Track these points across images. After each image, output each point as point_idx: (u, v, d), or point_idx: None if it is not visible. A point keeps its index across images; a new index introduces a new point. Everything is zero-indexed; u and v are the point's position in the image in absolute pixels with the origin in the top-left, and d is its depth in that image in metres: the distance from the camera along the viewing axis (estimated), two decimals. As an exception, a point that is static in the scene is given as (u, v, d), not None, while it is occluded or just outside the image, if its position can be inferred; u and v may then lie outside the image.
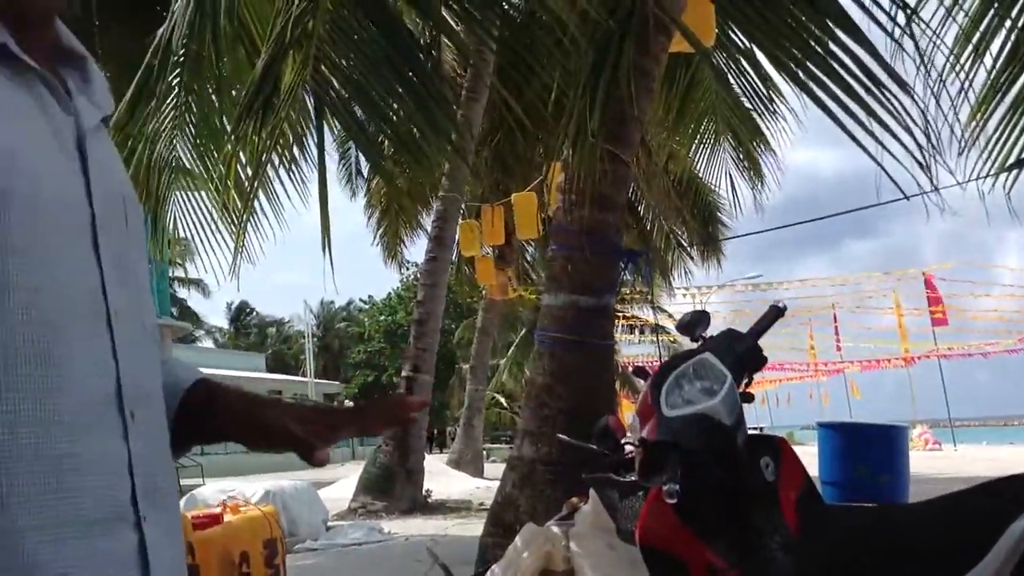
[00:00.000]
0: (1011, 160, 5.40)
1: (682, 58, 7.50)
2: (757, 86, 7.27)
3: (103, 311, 0.94)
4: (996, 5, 5.23)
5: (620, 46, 5.50)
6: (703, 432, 2.39)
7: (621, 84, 5.23)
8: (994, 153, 5.49)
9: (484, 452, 20.73)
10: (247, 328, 61.20)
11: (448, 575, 4.73)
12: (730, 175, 9.67)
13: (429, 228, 15.38)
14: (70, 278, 0.91)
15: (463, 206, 14.62)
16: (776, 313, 2.66)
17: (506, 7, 6.63)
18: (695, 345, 2.69)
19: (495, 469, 15.06)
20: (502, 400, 34.51)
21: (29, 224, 0.88)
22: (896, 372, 36.04)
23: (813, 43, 5.00)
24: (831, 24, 4.96)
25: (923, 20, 4.66)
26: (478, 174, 14.60)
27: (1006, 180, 5.31)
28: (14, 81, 0.93)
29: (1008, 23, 5.24)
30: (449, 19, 5.99)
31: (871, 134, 3.78)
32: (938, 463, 17.91)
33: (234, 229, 7.83)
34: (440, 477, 15.36)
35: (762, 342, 2.52)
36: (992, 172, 5.33)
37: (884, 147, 3.75)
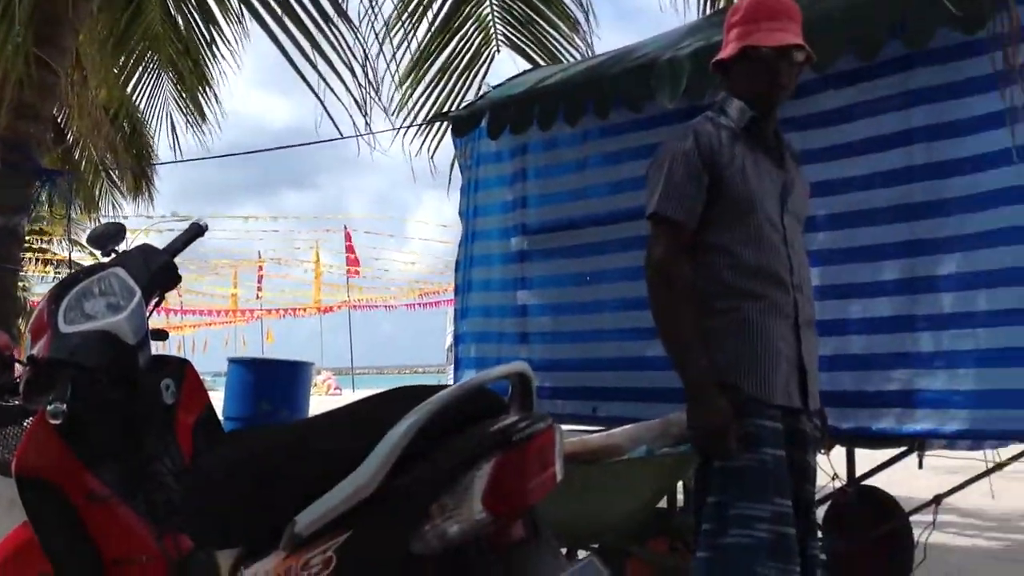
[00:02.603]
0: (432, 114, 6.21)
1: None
2: (199, 23, 7.07)
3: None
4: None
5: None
6: (103, 350, 2.18)
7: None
8: (423, 110, 6.38)
9: None
10: None
11: None
12: (170, 115, 9.05)
13: None
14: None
15: None
16: (196, 230, 2.56)
17: None
18: (106, 260, 2.46)
19: None
20: None
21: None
22: (310, 321, 38.06)
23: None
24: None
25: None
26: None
27: (432, 143, 6.01)
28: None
29: None
30: None
31: (316, 70, 3.85)
32: (336, 405, 19.33)
33: None
34: None
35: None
36: (426, 120, 6.03)
37: (327, 84, 3.85)
